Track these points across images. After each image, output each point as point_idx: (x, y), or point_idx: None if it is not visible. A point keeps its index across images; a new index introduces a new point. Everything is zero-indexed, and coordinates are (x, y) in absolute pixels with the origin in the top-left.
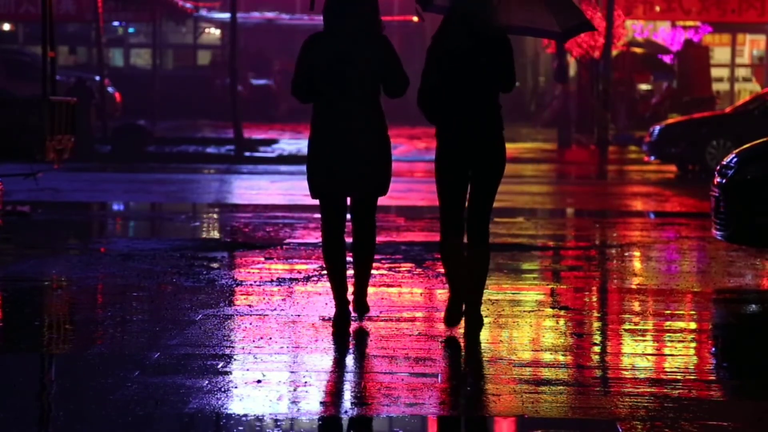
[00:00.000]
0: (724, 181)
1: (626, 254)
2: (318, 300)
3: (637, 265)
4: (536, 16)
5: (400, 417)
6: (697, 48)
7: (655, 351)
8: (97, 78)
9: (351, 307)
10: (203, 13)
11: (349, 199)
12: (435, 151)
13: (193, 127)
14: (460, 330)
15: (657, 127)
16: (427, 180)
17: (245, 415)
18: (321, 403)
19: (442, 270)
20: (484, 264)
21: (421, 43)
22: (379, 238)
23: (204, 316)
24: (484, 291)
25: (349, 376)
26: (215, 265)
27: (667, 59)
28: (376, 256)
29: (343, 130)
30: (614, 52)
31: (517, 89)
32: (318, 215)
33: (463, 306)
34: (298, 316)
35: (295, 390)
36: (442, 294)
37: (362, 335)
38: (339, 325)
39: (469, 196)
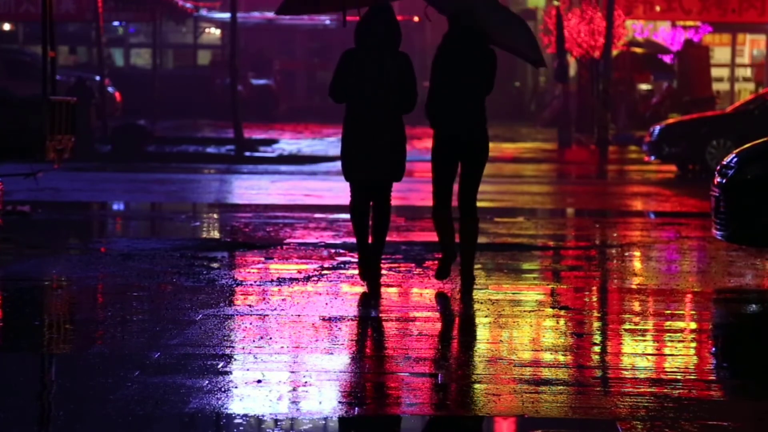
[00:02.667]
0: (724, 181)
1: (626, 254)
2: (318, 300)
3: (637, 265)
4: (514, 42)
5: (400, 417)
6: (697, 48)
7: (655, 351)
8: (97, 78)
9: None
10: (203, 13)
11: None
12: (432, 144)
13: (193, 127)
14: (459, 331)
15: (657, 127)
16: (427, 180)
17: (245, 415)
18: (321, 403)
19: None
20: (475, 232)
21: (421, 42)
22: None
23: (204, 316)
24: (485, 291)
25: (349, 376)
26: (215, 265)
27: (667, 59)
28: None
29: (370, 128)
30: (614, 52)
31: (517, 89)
32: (318, 215)
33: (451, 264)
34: (298, 316)
35: (295, 390)
36: (441, 294)
37: (362, 334)
38: (363, 267)
39: (459, 180)
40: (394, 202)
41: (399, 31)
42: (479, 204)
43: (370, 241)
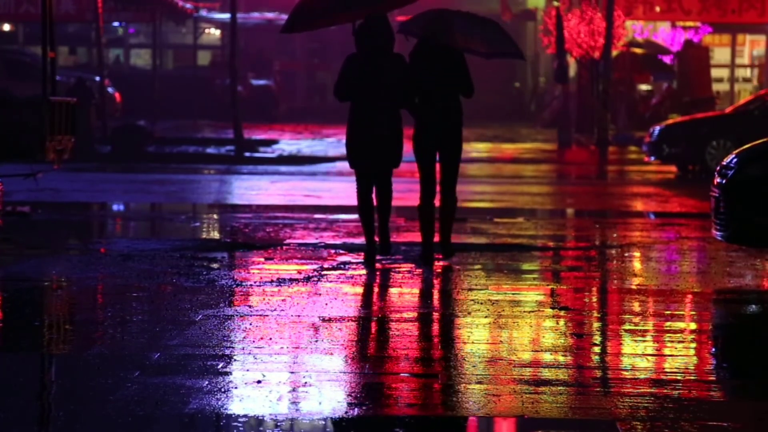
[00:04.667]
0: (724, 181)
1: (626, 255)
2: (318, 300)
3: (637, 265)
4: (476, 42)
5: (400, 417)
6: (697, 48)
7: (655, 351)
8: (97, 78)
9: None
10: (203, 13)
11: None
12: (412, 137)
13: (193, 127)
14: (459, 331)
15: (657, 128)
16: None
17: (245, 416)
18: (321, 403)
19: (441, 270)
20: (452, 207)
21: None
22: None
23: (204, 316)
24: (485, 291)
25: (349, 376)
26: (215, 265)
27: (667, 60)
28: (377, 257)
29: (371, 122)
30: (614, 53)
31: (517, 90)
32: (318, 216)
33: (433, 250)
34: (298, 316)
35: (295, 390)
36: (441, 294)
37: (362, 335)
38: (368, 259)
39: (440, 169)
40: (393, 202)
41: (393, 37)
42: (479, 204)
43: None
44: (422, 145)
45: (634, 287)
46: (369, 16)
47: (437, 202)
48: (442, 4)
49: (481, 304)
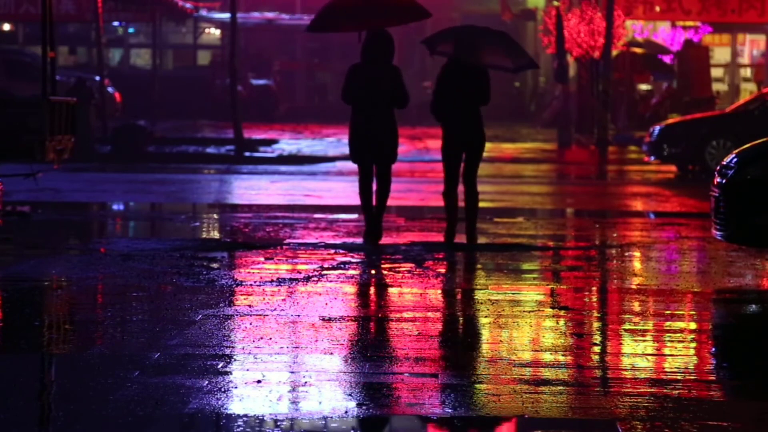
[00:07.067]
0: (724, 181)
1: (626, 254)
2: (318, 300)
3: (637, 265)
4: (501, 58)
5: (400, 417)
6: (697, 48)
7: (655, 351)
8: (97, 78)
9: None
10: (203, 13)
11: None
12: (442, 140)
13: (193, 127)
14: (459, 331)
15: (657, 128)
16: (427, 180)
17: (245, 416)
18: (321, 403)
19: (442, 270)
20: (475, 199)
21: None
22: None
23: (204, 316)
24: (485, 291)
25: (349, 376)
26: (215, 265)
27: (667, 59)
28: (377, 257)
29: (370, 123)
30: (614, 52)
31: (517, 89)
32: (318, 215)
33: (455, 233)
34: (298, 316)
35: (295, 390)
36: (441, 294)
37: (362, 334)
38: (369, 238)
39: (464, 165)
40: (393, 202)
41: (392, 50)
42: (479, 204)
43: (374, 206)
44: (451, 150)
45: (634, 287)
46: (371, 32)
47: (461, 201)
48: (443, 4)
49: (481, 304)
